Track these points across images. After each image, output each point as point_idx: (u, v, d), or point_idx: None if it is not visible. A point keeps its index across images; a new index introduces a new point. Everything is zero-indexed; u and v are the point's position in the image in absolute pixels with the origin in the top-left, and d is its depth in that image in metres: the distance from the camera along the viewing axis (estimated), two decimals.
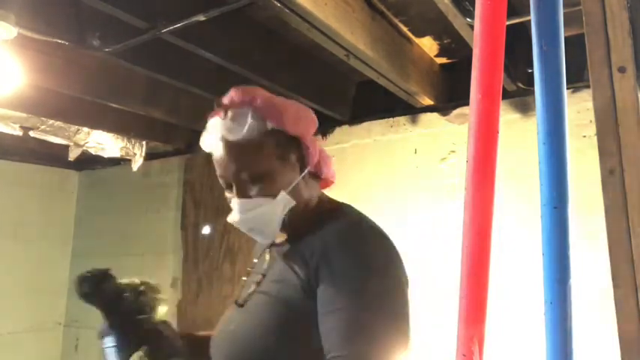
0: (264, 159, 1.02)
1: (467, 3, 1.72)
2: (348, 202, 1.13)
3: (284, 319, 0.97)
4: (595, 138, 0.97)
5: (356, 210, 1.10)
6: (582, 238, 1.99)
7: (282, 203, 1.02)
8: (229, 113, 1.03)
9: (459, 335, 0.69)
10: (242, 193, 1.03)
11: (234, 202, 1.04)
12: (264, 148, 1.02)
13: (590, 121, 2.17)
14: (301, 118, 1.08)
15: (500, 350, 2.20)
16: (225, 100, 1.06)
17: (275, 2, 1.66)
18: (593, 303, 1.88)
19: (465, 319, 0.69)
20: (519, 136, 2.37)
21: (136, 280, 1.13)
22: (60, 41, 1.97)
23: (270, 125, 1.03)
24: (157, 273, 3.56)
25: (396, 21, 2.24)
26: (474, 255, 0.71)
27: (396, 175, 2.75)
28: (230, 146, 1.02)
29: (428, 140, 2.71)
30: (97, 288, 1.06)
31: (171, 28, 1.89)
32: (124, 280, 1.12)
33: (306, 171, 1.07)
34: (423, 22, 2.26)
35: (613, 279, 0.90)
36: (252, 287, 1.09)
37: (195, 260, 3.49)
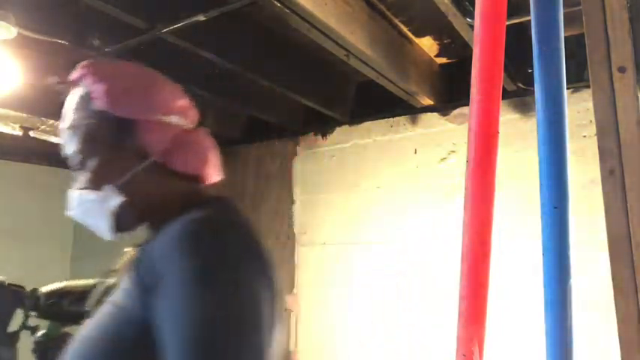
0: (87, 146, 0.91)
1: (467, 3, 1.72)
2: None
3: (124, 340, 0.78)
4: (595, 138, 0.96)
5: (221, 207, 0.91)
6: (582, 238, 1.99)
7: (106, 199, 0.89)
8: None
9: (459, 335, 0.69)
10: (76, 184, 0.93)
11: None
12: (88, 133, 0.90)
13: (590, 121, 2.17)
14: (133, 93, 0.91)
15: (500, 350, 2.20)
16: (70, 78, 0.95)
17: (275, 2, 1.66)
18: (593, 303, 1.88)
19: (465, 319, 0.69)
20: (519, 136, 2.38)
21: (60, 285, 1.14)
22: (60, 41, 1.97)
23: (96, 106, 0.89)
24: None
25: (396, 21, 2.24)
26: (474, 255, 0.71)
27: (396, 175, 2.75)
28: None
29: (428, 140, 2.71)
30: None
31: (171, 28, 1.89)
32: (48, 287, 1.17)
33: (147, 162, 0.89)
34: (423, 22, 2.26)
35: (613, 279, 0.90)
36: (105, 292, 0.95)
37: None
